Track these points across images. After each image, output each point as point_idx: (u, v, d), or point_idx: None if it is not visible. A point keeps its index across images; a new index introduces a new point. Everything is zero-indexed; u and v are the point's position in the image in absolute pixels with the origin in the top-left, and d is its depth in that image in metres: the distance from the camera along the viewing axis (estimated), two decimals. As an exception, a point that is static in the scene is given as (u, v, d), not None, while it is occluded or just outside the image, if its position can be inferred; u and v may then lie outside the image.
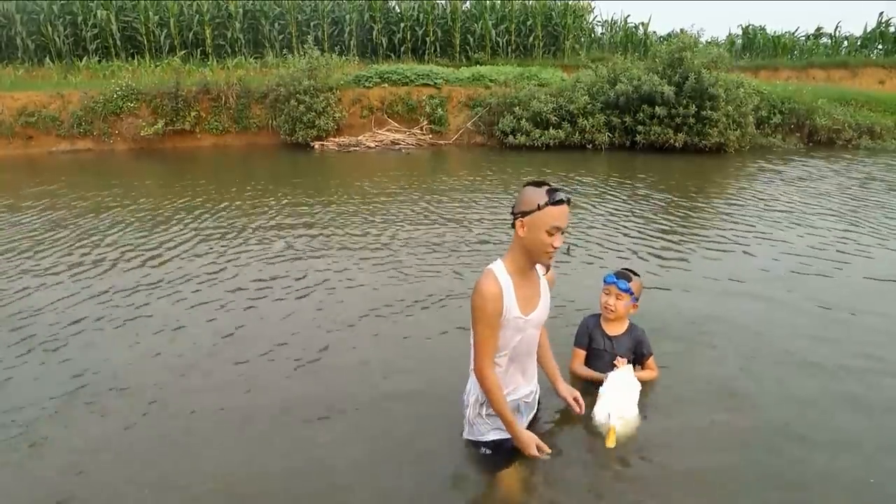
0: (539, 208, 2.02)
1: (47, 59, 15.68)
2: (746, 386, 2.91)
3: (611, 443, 2.35)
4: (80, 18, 16.10)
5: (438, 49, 17.86)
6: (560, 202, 2.02)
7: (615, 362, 2.73)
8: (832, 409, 2.71)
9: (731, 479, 2.26)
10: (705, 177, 8.87)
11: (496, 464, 2.22)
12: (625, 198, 7.26)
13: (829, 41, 20.29)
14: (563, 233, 2.06)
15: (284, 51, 16.83)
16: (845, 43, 20.00)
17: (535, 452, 2.15)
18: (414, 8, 17.72)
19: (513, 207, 2.10)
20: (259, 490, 2.24)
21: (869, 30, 19.69)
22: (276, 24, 17.40)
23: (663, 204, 6.96)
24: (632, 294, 2.80)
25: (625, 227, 5.95)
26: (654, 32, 20.22)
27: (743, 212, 6.51)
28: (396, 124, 12.87)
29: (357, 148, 12.24)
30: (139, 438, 2.57)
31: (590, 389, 2.73)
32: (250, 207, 6.90)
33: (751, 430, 2.55)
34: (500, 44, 17.99)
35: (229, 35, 17.04)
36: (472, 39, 17.93)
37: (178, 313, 3.91)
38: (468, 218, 6.32)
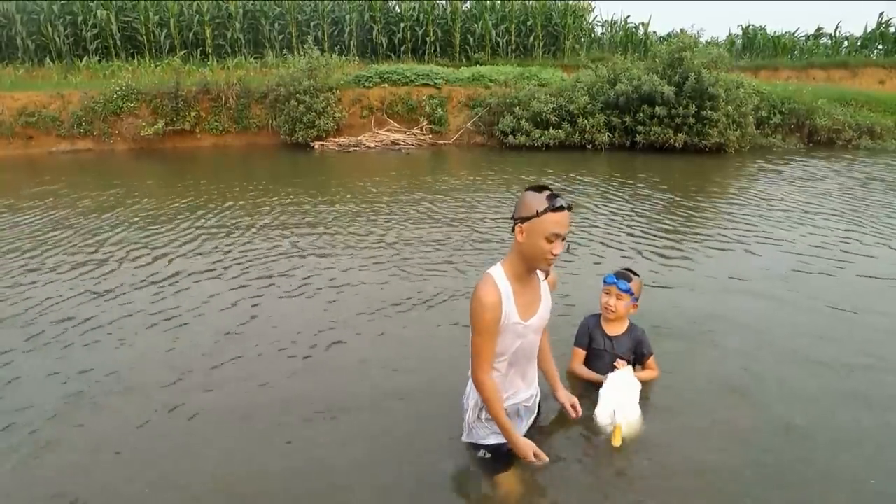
0: (538, 214, 1.97)
1: (47, 60, 15.68)
2: (748, 385, 2.91)
3: (617, 441, 2.34)
4: (80, 18, 16.10)
5: (438, 49, 17.86)
6: (560, 208, 1.97)
7: (615, 363, 2.73)
8: (834, 409, 2.71)
9: (732, 478, 2.26)
10: (706, 177, 8.87)
11: (495, 467, 2.21)
12: (626, 197, 7.26)
13: (829, 41, 20.29)
14: (563, 240, 2.01)
15: (284, 51, 16.84)
16: (845, 43, 20.01)
17: (532, 459, 2.14)
18: (414, 8, 17.72)
19: (513, 212, 2.06)
20: (259, 490, 2.24)
21: (869, 30, 19.70)
22: (276, 24, 17.40)
23: (665, 204, 6.96)
24: (632, 294, 2.80)
25: (627, 226, 5.95)
26: (654, 32, 20.25)
27: (744, 211, 6.51)
28: (396, 124, 12.87)
29: (357, 148, 12.24)
30: (140, 438, 2.57)
31: (590, 390, 2.74)
32: (251, 207, 6.90)
33: (752, 430, 2.55)
34: (500, 44, 17.99)
35: (229, 35, 17.04)
36: (472, 39, 17.93)
37: (179, 313, 3.91)
38: (469, 217, 6.32)
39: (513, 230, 2.06)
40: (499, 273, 2.09)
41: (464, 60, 17.35)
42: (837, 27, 20.36)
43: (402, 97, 12.86)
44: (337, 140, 12.44)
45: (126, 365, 3.20)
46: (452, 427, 2.42)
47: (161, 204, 7.15)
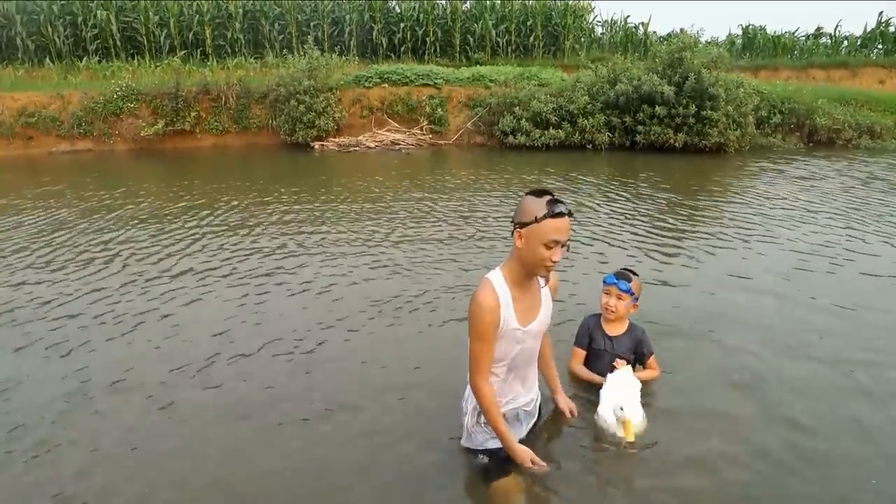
0: (536, 220, 1.93)
1: (47, 60, 15.67)
2: (749, 383, 2.91)
3: (630, 436, 2.33)
4: (80, 19, 16.09)
5: (438, 49, 17.86)
6: (560, 214, 1.92)
7: (615, 363, 2.73)
8: (836, 407, 2.71)
9: (733, 478, 2.25)
10: (706, 176, 8.86)
11: (494, 472, 2.19)
12: (628, 197, 7.26)
13: (829, 41, 20.28)
14: (563, 246, 1.97)
15: (284, 51, 16.83)
16: (845, 43, 19.99)
17: (529, 466, 2.12)
18: (414, 8, 17.71)
19: (513, 216, 2.03)
20: (259, 489, 2.24)
21: (869, 30, 19.68)
22: (276, 25, 17.40)
23: (666, 203, 6.96)
24: (632, 294, 2.80)
25: (629, 225, 5.96)
26: (654, 32, 20.23)
27: (745, 210, 6.51)
28: (396, 124, 12.87)
29: (357, 148, 12.24)
30: (140, 438, 2.57)
31: (590, 390, 2.74)
32: (252, 207, 6.90)
33: (753, 429, 2.55)
34: (500, 44, 17.99)
35: (229, 35, 17.04)
36: (472, 39, 17.92)
37: (180, 313, 3.91)
38: (470, 217, 6.32)
39: (512, 235, 2.02)
40: (497, 278, 2.06)
41: (464, 60, 17.34)
42: (837, 27, 20.36)
43: (402, 97, 12.86)
44: (337, 140, 12.43)
45: (126, 365, 3.20)
46: (453, 427, 2.42)
47: (161, 204, 7.15)
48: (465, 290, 4.15)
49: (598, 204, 6.91)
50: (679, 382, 2.91)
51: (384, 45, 17.63)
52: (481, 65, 15.11)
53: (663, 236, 5.59)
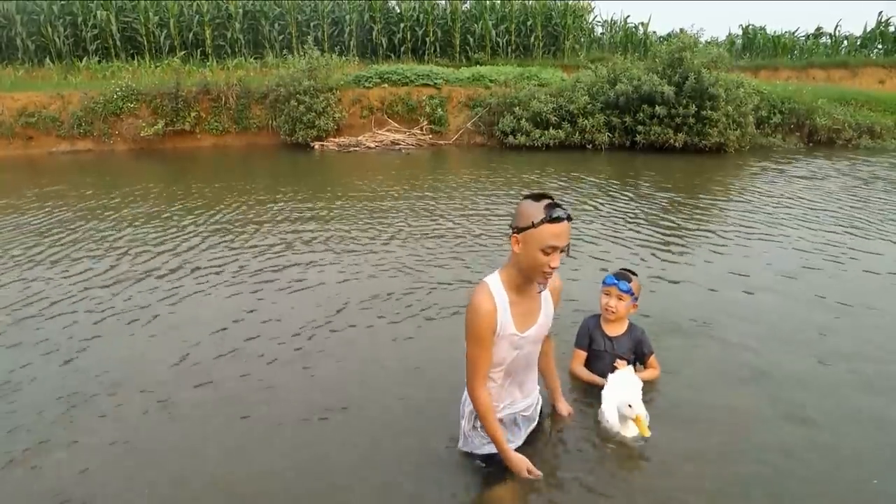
0: (534, 225, 1.87)
1: (47, 60, 15.68)
2: (751, 382, 2.91)
3: (645, 432, 2.31)
4: (80, 19, 16.11)
5: (438, 49, 17.86)
6: (558, 219, 1.86)
7: (615, 364, 2.73)
8: (837, 406, 2.71)
9: (734, 477, 2.25)
10: (707, 176, 8.86)
11: (490, 477, 2.17)
12: (629, 197, 7.26)
13: (829, 41, 20.28)
14: (563, 252, 1.91)
15: (284, 51, 16.84)
16: (845, 43, 20.00)
17: (525, 475, 2.08)
18: (414, 8, 17.72)
19: (511, 219, 1.98)
20: (259, 489, 2.24)
21: (869, 29, 19.69)
22: (276, 25, 17.41)
23: (667, 203, 6.97)
24: (632, 294, 2.80)
25: (630, 225, 5.96)
26: (654, 32, 20.24)
27: (747, 209, 6.52)
28: (396, 124, 12.87)
29: (357, 148, 12.24)
30: (140, 438, 2.57)
31: (591, 391, 2.74)
32: (252, 207, 6.90)
33: (754, 428, 2.55)
34: (500, 44, 17.99)
35: (229, 35, 17.05)
36: (472, 39, 17.93)
37: (180, 312, 3.91)
38: (472, 217, 6.32)
39: (510, 239, 1.97)
40: (495, 282, 2.02)
41: (464, 60, 17.35)
42: (837, 27, 20.35)
43: (402, 97, 12.86)
44: (337, 140, 12.44)
45: (127, 364, 3.20)
46: (452, 427, 2.41)
47: (162, 204, 7.15)
48: (465, 289, 4.15)
49: (599, 204, 6.91)
50: (680, 380, 2.91)
51: (384, 46, 17.63)
52: (481, 65, 15.11)
53: (664, 235, 5.59)
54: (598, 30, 20.54)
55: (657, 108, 10.68)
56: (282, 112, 12.39)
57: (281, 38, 17.40)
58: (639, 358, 2.89)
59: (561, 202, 1.93)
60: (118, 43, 16.28)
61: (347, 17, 17.49)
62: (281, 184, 8.33)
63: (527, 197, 1.95)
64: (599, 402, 2.55)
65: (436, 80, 13.07)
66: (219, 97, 12.74)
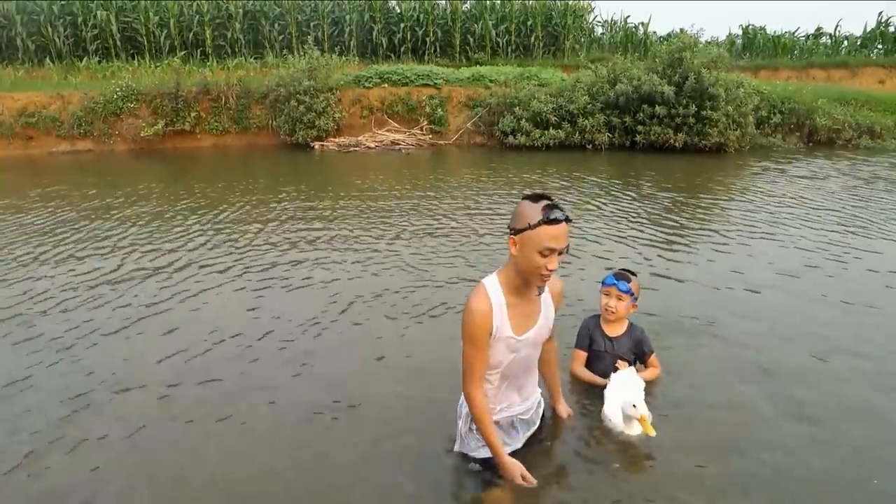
0: (530, 227, 1.83)
1: (47, 60, 15.68)
2: (752, 381, 2.91)
3: (650, 431, 2.30)
4: (80, 19, 16.11)
5: (438, 49, 17.87)
6: (556, 221, 1.82)
7: (617, 364, 2.73)
8: (839, 406, 2.71)
9: (735, 477, 2.25)
10: (707, 176, 8.87)
11: (487, 480, 2.14)
12: (631, 197, 7.27)
13: (829, 41, 20.29)
14: (561, 254, 1.87)
15: (284, 51, 16.84)
16: (845, 43, 20.00)
17: (519, 481, 2.03)
18: (414, 8, 17.72)
19: (509, 220, 1.95)
20: (259, 490, 2.24)
21: (869, 29, 19.70)
22: (276, 25, 17.41)
23: (669, 202, 6.97)
24: (632, 294, 2.80)
25: (633, 224, 5.97)
26: (654, 32, 20.26)
27: (749, 209, 6.52)
28: (396, 124, 12.87)
29: (357, 148, 12.24)
30: (140, 438, 2.56)
31: (592, 392, 2.74)
32: (252, 207, 6.91)
33: (756, 427, 2.55)
34: (500, 44, 18.00)
35: (229, 35, 17.05)
36: (472, 39, 17.93)
37: (182, 311, 3.91)
38: (472, 217, 6.32)
39: (508, 240, 1.94)
40: (492, 283, 1.99)
41: (464, 60, 17.35)
42: (837, 27, 20.38)
43: (402, 97, 12.86)
44: (337, 140, 12.44)
45: (128, 363, 3.21)
46: (453, 428, 2.40)
47: (162, 204, 7.15)
48: (467, 289, 4.14)
49: (602, 203, 6.91)
50: (682, 378, 2.91)
51: (384, 46, 17.64)
52: (481, 65, 15.12)
53: (667, 234, 5.59)
54: (598, 30, 20.58)
55: (657, 108, 10.68)
56: (282, 112, 12.40)
57: (281, 38, 17.40)
58: (639, 357, 2.89)
59: (559, 203, 1.90)
60: (118, 43, 16.28)
61: (347, 17, 17.50)
62: (281, 184, 8.34)
63: (525, 197, 1.91)
64: (600, 403, 2.55)
65: (436, 80, 13.07)
66: (219, 97, 12.75)
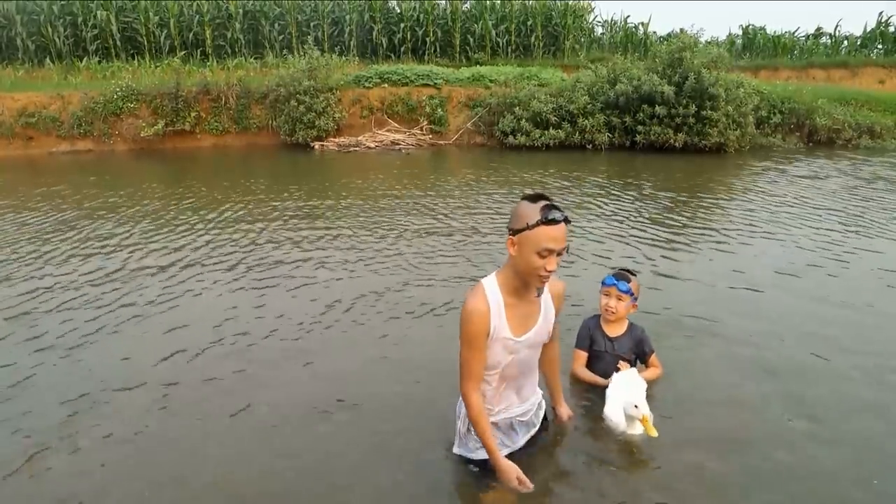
0: (528, 227, 1.81)
1: (47, 60, 15.69)
2: (753, 381, 2.91)
3: (652, 432, 2.29)
4: (80, 19, 16.11)
5: (438, 49, 17.87)
6: (554, 221, 1.80)
7: (619, 365, 2.73)
8: (840, 405, 2.71)
9: (735, 477, 2.25)
10: (707, 176, 8.87)
11: (485, 482, 2.12)
12: (632, 196, 7.27)
13: (829, 41, 20.30)
14: (559, 255, 1.85)
15: (284, 51, 16.84)
16: (845, 43, 20.01)
17: (515, 485, 2.00)
18: (414, 8, 17.73)
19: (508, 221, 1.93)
20: (259, 490, 2.24)
21: (869, 29, 19.71)
22: (276, 25, 17.41)
23: (670, 202, 6.98)
24: (632, 295, 2.80)
25: (634, 224, 5.98)
26: (654, 32, 20.27)
27: (750, 209, 6.53)
28: (396, 124, 12.87)
29: (357, 148, 12.24)
30: (140, 437, 2.57)
31: (593, 392, 2.75)
32: (252, 206, 6.91)
33: (756, 427, 2.55)
34: (500, 44, 18.00)
35: (229, 35, 17.05)
36: (472, 39, 17.93)
37: (182, 311, 3.91)
38: (473, 217, 6.32)
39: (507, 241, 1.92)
40: (491, 283, 1.97)
41: (464, 60, 17.35)
42: (837, 27, 20.39)
43: (402, 97, 12.86)
44: (337, 140, 12.44)
45: (128, 364, 3.21)
46: (453, 428, 2.40)
47: (163, 204, 7.15)
48: (471, 287, 4.14)
49: (603, 203, 6.91)
50: (683, 377, 2.92)
51: (384, 46, 17.64)
52: (481, 65, 15.12)
53: (668, 234, 5.60)
54: (598, 30, 20.60)
55: (657, 108, 10.68)
56: (282, 112, 12.40)
57: (281, 38, 17.40)
58: (640, 357, 2.89)
59: (558, 203, 1.88)
60: (118, 43, 16.28)
61: (347, 17, 17.50)
62: (282, 183, 8.34)
63: (524, 198, 1.89)
64: (602, 403, 2.55)
65: (436, 80, 13.07)
66: (219, 97, 12.75)
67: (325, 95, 12.24)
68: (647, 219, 6.22)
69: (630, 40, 20.04)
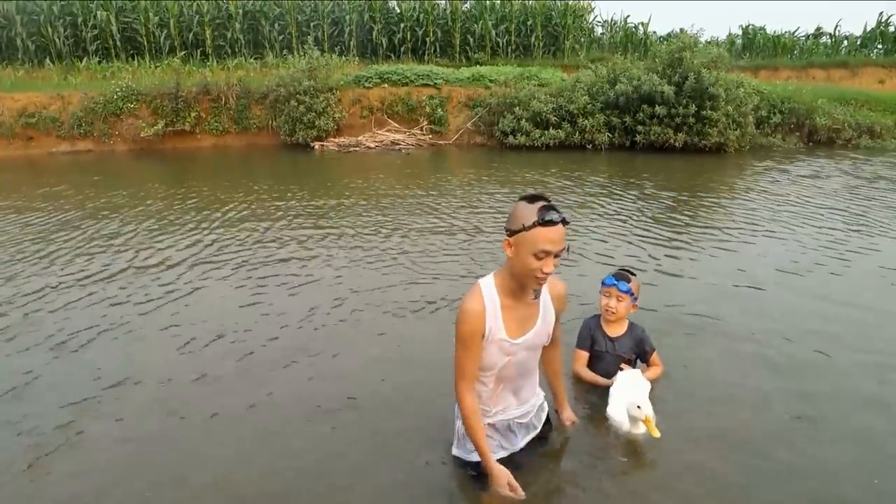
0: (525, 228, 1.78)
1: (47, 60, 15.68)
2: (754, 380, 2.91)
3: (655, 432, 2.28)
4: (80, 19, 16.11)
5: (438, 49, 17.87)
6: (551, 223, 1.76)
7: (622, 366, 2.72)
8: (840, 404, 2.71)
9: (736, 477, 2.24)
10: (707, 176, 8.87)
11: (483, 483, 2.10)
12: (634, 196, 7.27)
13: (829, 41, 20.29)
14: (557, 257, 1.81)
15: (284, 51, 16.84)
16: (845, 42, 20.00)
17: (505, 491, 1.94)
18: (414, 8, 17.72)
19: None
20: (259, 490, 2.23)
21: (869, 29, 19.70)
22: (276, 25, 17.41)
23: (671, 202, 6.98)
24: (632, 294, 2.79)
25: (636, 223, 5.98)
26: (654, 32, 20.26)
27: (751, 208, 6.53)
28: (396, 124, 12.87)
29: (357, 148, 12.24)
30: (141, 437, 2.56)
31: (595, 392, 2.74)
32: (253, 207, 6.90)
33: (757, 426, 2.55)
34: (500, 44, 18.00)
35: (229, 36, 17.05)
36: (472, 39, 17.93)
37: (183, 311, 3.91)
38: (476, 216, 6.32)
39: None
40: (488, 284, 1.95)
41: (464, 60, 17.35)
42: (837, 26, 20.36)
43: (402, 97, 12.86)
44: (337, 140, 12.44)
45: (129, 364, 3.20)
46: (452, 428, 2.40)
47: (165, 205, 7.14)
48: (468, 289, 4.14)
49: (605, 203, 6.91)
50: (685, 375, 2.92)
51: (384, 46, 17.64)
52: (481, 65, 15.12)
53: (669, 233, 5.59)
54: (598, 30, 20.59)
55: (657, 107, 10.68)
56: (282, 112, 12.39)
57: (281, 38, 17.40)
58: (641, 356, 2.89)
59: (556, 205, 1.85)
60: (118, 43, 16.28)
61: (347, 17, 17.50)
62: (283, 183, 8.33)
63: (522, 198, 1.86)
64: (603, 403, 2.55)
65: (436, 80, 13.07)
66: (219, 97, 12.74)
67: (325, 95, 12.24)
68: (650, 218, 6.21)
69: (630, 40, 20.04)
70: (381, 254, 5.06)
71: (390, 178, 8.86)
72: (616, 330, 2.86)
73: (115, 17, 16.13)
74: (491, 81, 12.95)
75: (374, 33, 17.57)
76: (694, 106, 10.41)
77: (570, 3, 18.32)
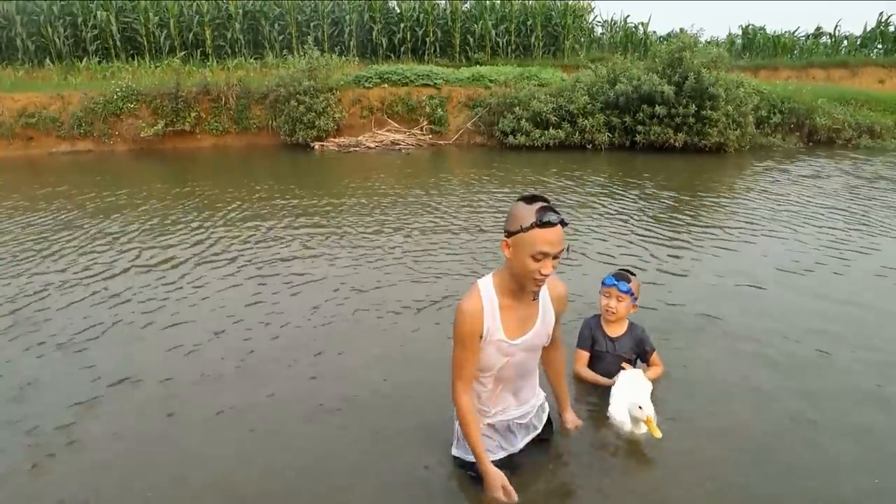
0: (523, 229, 1.77)
1: (47, 60, 15.69)
2: (754, 379, 2.91)
3: (656, 433, 2.28)
4: (80, 19, 16.11)
5: (438, 49, 17.87)
6: (549, 224, 1.75)
7: (623, 365, 2.72)
8: (841, 403, 2.70)
9: (736, 476, 2.24)
10: (707, 176, 8.87)
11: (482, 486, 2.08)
12: (635, 196, 7.26)
13: (829, 41, 20.29)
14: (556, 258, 1.80)
15: (284, 51, 16.84)
16: (845, 42, 20.00)
17: (499, 494, 1.94)
18: (414, 8, 17.73)
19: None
20: (259, 490, 2.23)
21: (869, 29, 19.70)
22: (276, 25, 17.41)
23: (672, 201, 6.98)
24: (632, 294, 2.79)
25: (637, 223, 5.98)
26: (654, 32, 20.27)
27: (752, 208, 6.53)
28: (396, 124, 12.87)
29: (357, 148, 12.24)
30: (141, 437, 2.56)
31: (596, 392, 2.74)
32: (253, 207, 6.90)
33: (757, 425, 2.54)
34: (500, 44, 18.00)
35: (229, 36, 17.05)
36: (472, 39, 17.93)
37: (183, 312, 3.90)
38: (473, 217, 6.31)
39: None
40: (487, 284, 1.94)
41: (464, 60, 17.35)
42: (837, 26, 20.36)
43: (402, 97, 12.86)
44: (337, 140, 12.44)
45: (129, 364, 3.20)
46: (452, 428, 2.40)
47: (166, 205, 7.14)
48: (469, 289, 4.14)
49: (606, 202, 6.91)
50: (685, 374, 2.92)
51: (384, 46, 17.64)
52: (481, 65, 15.12)
53: (670, 232, 5.59)
54: (598, 30, 20.59)
55: (657, 107, 10.67)
56: (282, 112, 12.39)
57: (281, 38, 17.40)
58: (641, 357, 2.89)
59: (556, 205, 1.84)
60: (118, 43, 16.28)
61: (347, 17, 17.50)
62: (283, 183, 8.33)
63: (520, 199, 1.85)
64: (604, 403, 2.55)
65: (436, 80, 13.07)
66: (219, 97, 12.74)
67: (325, 95, 12.24)
68: (651, 217, 6.21)
69: (630, 40, 20.04)
70: (382, 253, 5.06)
71: (391, 177, 8.86)
72: (616, 330, 2.86)
73: (115, 17, 16.13)
74: (491, 81, 12.95)
75: (374, 33, 17.57)
76: (694, 106, 10.41)
77: (570, 3, 18.33)
